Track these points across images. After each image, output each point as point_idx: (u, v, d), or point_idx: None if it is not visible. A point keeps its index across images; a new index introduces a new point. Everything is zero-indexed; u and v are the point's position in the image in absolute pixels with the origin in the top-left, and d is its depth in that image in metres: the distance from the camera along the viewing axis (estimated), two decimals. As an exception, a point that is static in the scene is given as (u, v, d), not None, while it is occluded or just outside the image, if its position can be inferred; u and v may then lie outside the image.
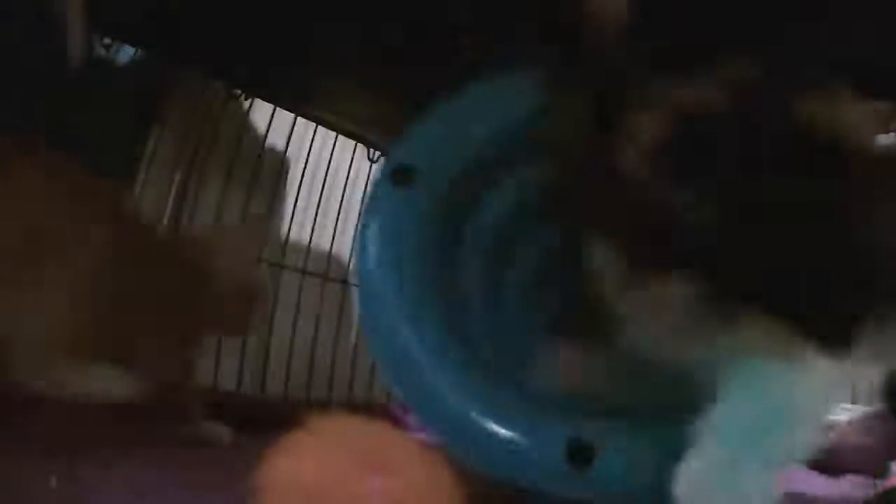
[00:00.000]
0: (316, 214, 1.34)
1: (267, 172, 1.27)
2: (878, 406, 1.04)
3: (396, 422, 0.92)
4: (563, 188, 0.54)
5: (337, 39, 0.95)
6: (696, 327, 0.47)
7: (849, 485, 0.88)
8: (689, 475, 0.43)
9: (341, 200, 1.38)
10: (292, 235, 1.31)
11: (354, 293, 1.43)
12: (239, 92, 1.15)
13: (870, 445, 0.97)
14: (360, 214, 1.42)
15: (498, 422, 0.49)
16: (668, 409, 0.50)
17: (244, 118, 1.23)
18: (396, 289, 0.54)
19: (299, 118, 1.26)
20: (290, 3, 0.88)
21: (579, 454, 0.48)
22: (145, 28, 0.96)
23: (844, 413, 1.11)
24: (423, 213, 0.58)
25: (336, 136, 1.32)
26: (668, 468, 0.44)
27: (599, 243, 0.51)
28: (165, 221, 1.13)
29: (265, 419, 0.75)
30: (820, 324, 0.46)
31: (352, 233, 1.40)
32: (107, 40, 0.98)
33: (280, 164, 1.29)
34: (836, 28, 0.79)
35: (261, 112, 1.24)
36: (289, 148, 1.30)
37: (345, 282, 1.39)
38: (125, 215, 0.71)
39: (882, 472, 0.90)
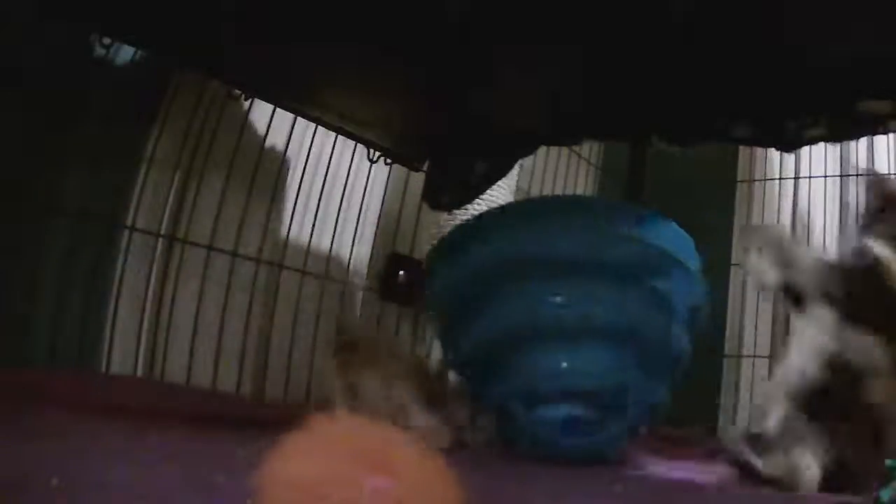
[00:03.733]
0: (316, 214, 1.34)
1: (267, 172, 1.27)
2: None
3: (396, 422, 0.93)
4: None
5: (337, 40, 0.95)
6: None
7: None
8: None
9: (341, 200, 1.38)
10: (292, 235, 1.31)
11: (354, 293, 1.43)
12: (239, 92, 1.15)
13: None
14: (359, 214, 1.42)
15: None
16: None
17: (244, 118, 1.23)
18: None
19: (299, 118, 1.26)
20: (291, 5, 0.88)
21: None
22: (145, 28, 0.96)
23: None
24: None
25: (336, 136, 1.32)
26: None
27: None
28: (165, 221, 1.13)
29: (265, 419, 0.76)
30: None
31: (352, 233, 1.40)
32: (107, 40, 0.97)
33: (280, 164, 1.29)
34: (836, 28, 0.79)
35: (261, 112, 1.24)
36: (289, 148, 1.30)
37: (345, 282, 1.39)
38: None
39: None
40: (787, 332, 1.66)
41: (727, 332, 1.71)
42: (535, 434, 0.86)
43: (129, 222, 1.08)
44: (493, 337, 0.88)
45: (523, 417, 0.86)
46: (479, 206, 1.43)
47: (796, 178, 1.73)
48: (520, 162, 1.40)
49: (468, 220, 1.01)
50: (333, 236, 1.37)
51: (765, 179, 1.78)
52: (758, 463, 0.76)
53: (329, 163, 1.35)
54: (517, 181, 1.59)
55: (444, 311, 0.95)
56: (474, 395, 0.93)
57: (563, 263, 0.86)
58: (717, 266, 1.65)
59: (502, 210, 1.10)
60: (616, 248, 0.89)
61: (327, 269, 1.35)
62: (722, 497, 0.79)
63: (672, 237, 0.92)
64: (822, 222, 1.68)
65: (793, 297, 0.83)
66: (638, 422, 0.90)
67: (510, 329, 0.87)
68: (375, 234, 1.46)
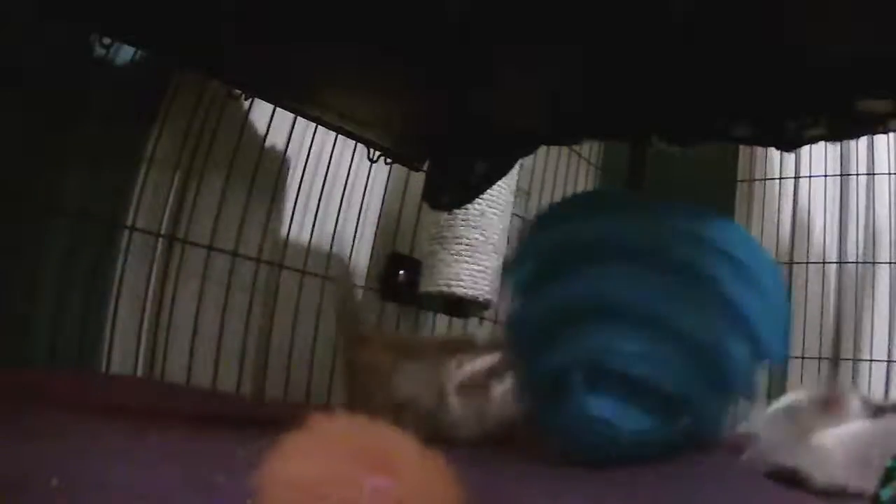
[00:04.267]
0: (316, 214, 1.34)
1: (267, 172, 1.27)
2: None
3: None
4: None
5: (337, 40, 0.95)
6: None
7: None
8: None
9: (341, 200, 1.38)
10: (292, 235, 1.31)
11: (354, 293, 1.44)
12: (239, 92, 1.15)
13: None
14: (359, 214, 1.42)
15: None
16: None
17: (244, 118, 1.23)
18: None
19: (299, 118, 1.26)
20: (291, 5, 0.88)
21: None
22: (145, 28, 0.96)
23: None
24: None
25: (336, 136, 1.32)
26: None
27: None
28: (165, 221, 1.13)
29: (265, 419, 0.76)
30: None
31: (352, 233, 1.40)
32: (107, 40, 0.98)
33: (280, 163, 1.29)
34: (836, 28, 0.79)
35: (261, 112, 1.24)
36: (289, 148, 1.30)
37: (344, 282, 1.40)
38: None
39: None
40: (787, 331, 1.67)
41: (727, 332, 1.71)
42: (590, 418, 0.80)
43: (129, 222, 1.08)
44: (556, 307, 0.84)
45: (580, 393, 0.79)
46: (478, 205, 1.43)
47: (796, 177, 1.73)
48: (520, 162, 1.40)
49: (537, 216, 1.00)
50: (333, 236, 1.37)
51: (765, 179, 1.78)
52: None
53: (329, 163, 1.35)
54: (517, 181, 1.59)
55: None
56: (526, 368, 0.89)
57: (622, 252, 0.84)
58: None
59: (567, 202, 1.09)
60: (680, 247, 0.85)
61: (327, 269, 1.35)
62: (724, 495, 0.79)
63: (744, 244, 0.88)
64: (822, 222, 1.68)
65: None
66: (693, 432, 0.84)
67: (572, 303, 0.83)
68: (375, 234, 1.47)
